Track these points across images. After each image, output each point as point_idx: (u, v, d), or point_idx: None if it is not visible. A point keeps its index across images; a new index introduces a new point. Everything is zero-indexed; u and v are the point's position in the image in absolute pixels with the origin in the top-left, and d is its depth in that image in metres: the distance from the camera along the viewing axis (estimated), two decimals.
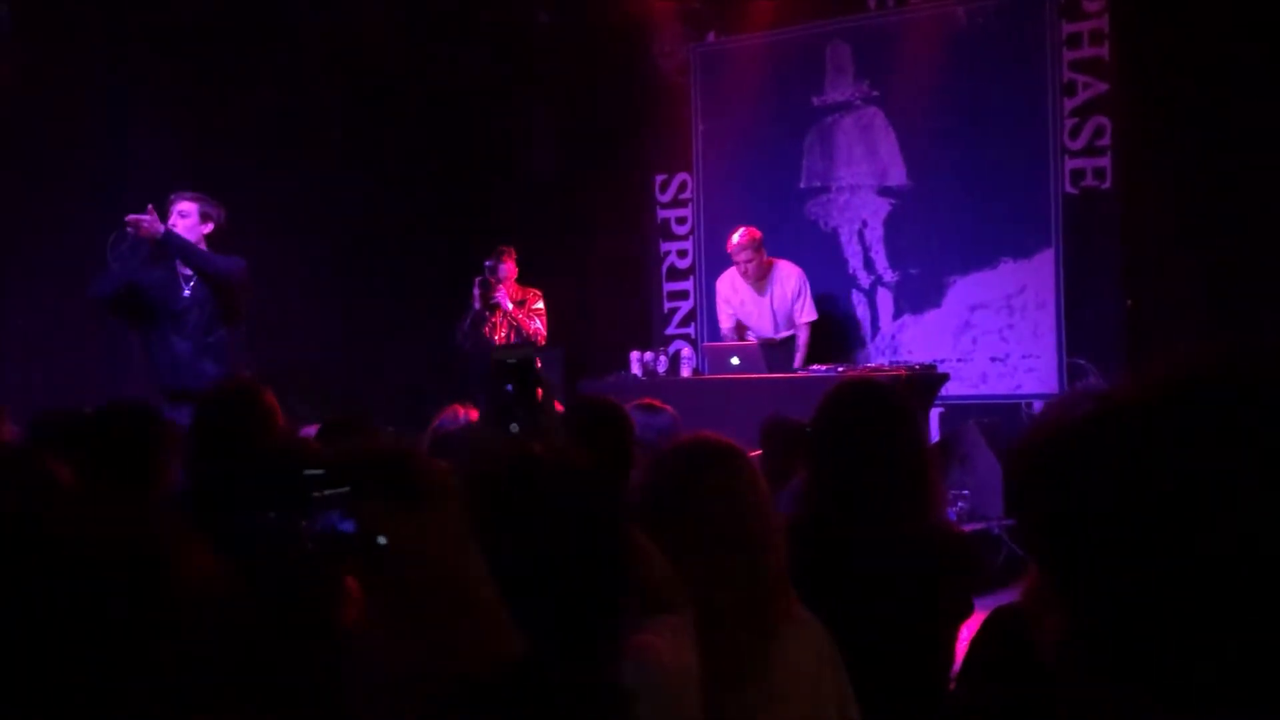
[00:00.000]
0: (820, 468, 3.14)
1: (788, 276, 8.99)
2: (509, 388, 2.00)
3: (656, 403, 4.53)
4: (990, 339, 9.24)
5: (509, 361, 2.05)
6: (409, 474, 1.32)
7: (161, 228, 6.57)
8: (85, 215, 7.98)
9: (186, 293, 6.73)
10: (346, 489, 1.29)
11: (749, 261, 8.86)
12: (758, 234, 8.89)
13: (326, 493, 1.28)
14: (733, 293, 9.11)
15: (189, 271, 6.74)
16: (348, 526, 1.29)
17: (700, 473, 2.47)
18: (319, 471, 1.29)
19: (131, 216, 6.55)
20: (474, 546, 1.36)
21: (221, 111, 8.79)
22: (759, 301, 9.00)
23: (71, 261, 7.74)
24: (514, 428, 2.02)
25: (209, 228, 6.79)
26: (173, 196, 6.77)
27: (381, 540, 1.28)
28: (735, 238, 8.88)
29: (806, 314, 8.98)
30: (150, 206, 6.63)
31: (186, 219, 6.71)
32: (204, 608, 1.00)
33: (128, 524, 1.00)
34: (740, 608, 2.38)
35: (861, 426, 3.10)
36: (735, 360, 8.40)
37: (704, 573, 2.37)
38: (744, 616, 2.38)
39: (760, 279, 8.96)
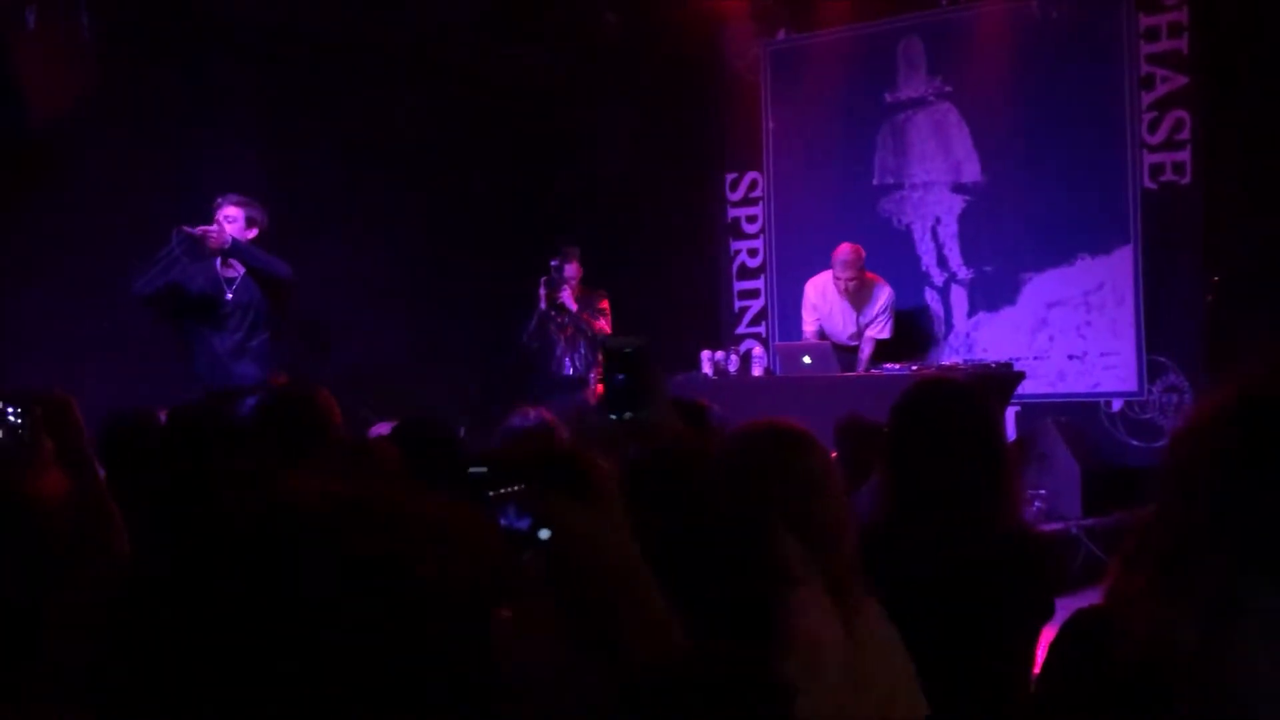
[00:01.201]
0: (897, 467, 3.09)
1: (878, 296, 8.89)
2: (620, 377, 1.98)
3: (702, 400, 4.51)
4: (1068, 336, 9.11)
5: (624, 350, 2.02)
6: (578, 471, 1.34)
7: (229, 239, 6.66)
8: (163, 218, 8.09)
9: (230, 295, 6.79)
10: (521, 488, 1.30)
11: (850, 280, 8.77)
12: (863, 253, 8.79)
13: (502, 491, 1.30)
14: (821, 300, 9.01)
15: (233, 274, 6.80)
16: (523, 524, 1.30)
17: (774, 458, 2.43)
18: (483, 470, 1.30)
19: (201, 229, 6.64)
20: (636, 543, 1.38)
21: (293, 116, 8.86)
22: (847, 314, 8.91)
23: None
24: (626, 416, 2.01)
25: (254, 232, 6.85)
26: (219, 200, 6.83)
27: (543, 535, 1.29)
28: (841, 254, 8.75)
29: (880, 330, 8.87)
30: (218, 218, 6.71)
31: (233, 224, 6.78)
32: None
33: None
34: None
35: (940, 425, 3.05)
36: (807, 359, 8.34)
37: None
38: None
39: (856, 295, 8.88)
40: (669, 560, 1.55)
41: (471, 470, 1.31)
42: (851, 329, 8.89)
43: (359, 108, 9.18)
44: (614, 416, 1.88)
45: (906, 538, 2.98)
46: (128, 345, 7.65)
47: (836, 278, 8.81)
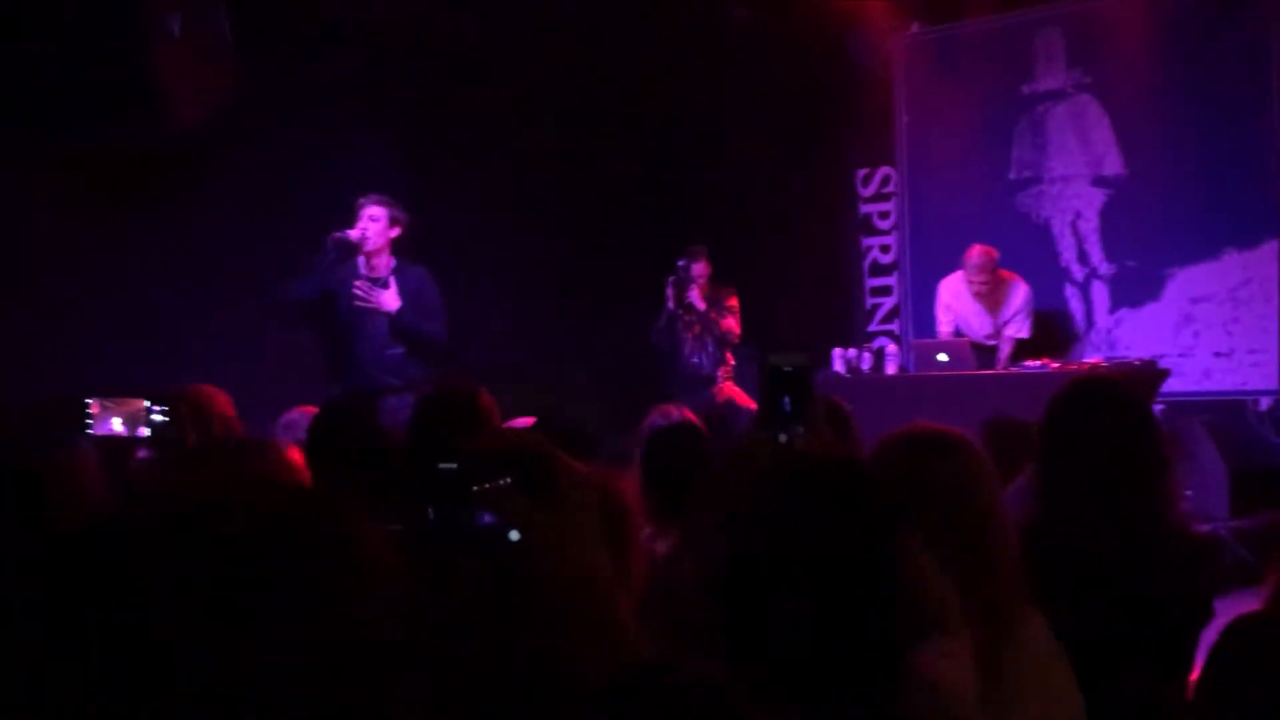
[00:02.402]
0: (1053, 466, 3.01)
1: (1015, 295, 8.74)
2: (785, 399, 1.91)
3: (834, 399, 4.44)
4: (1213, 333, 8.86)
5: (786, 370, 1.95)
6: (549, 475, 1.31)
7: (395, 304, 6.74)
8: (297, 223, 8.27)
9: None
10: (506, 483, 1.28)
11: (983, 283, 8.65)
12: (995, 254, 8.64)
13: (487, 486, 1.27)
14: (955, 300, 8.88)
15: (379, 275, 6.87)
16: (500, 524, 1.28)
17: (926, 462, 2.35)
18: (452, 466, 1.28)
19: (362, 287, 6.73)
20: (604, 551, 1.35)
21: (429, 115, 8.98)
22: (982, 315, 8.76)
23: (286, 267, 8.00)
24: (783, 437, 1.94)
25: (396, 231, 6.92)
26: (361, 201, 6.90)
27: (513, 536, 1.27)
28: (972, 257, 8.62)
29: (1018, 329, 8.71)
30: (362, 217, 6.79)
31: (376, 223, 6.84)
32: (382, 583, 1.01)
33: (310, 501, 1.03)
34: (974, 608, 2.26)
35: (1097, 424, 2.97)
36: (943, 357, 8.22)
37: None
38: (979, 617, 2.26)
39: (990, 296, 8.73)
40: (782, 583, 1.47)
41: (441, 466, 1.28)
42: (988, 329, 8.74)
43: (490, 107, 9.26)
44: (775, 436, 1.81)
45: (1062, 538, 2.90)
46: (273, 344, 7.81)
47: (969, 281, 8.68)
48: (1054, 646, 2.43)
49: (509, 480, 1.29)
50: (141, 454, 3.86)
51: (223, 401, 4.34)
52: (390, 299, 6.75)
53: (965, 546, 2.28)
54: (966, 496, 2.32)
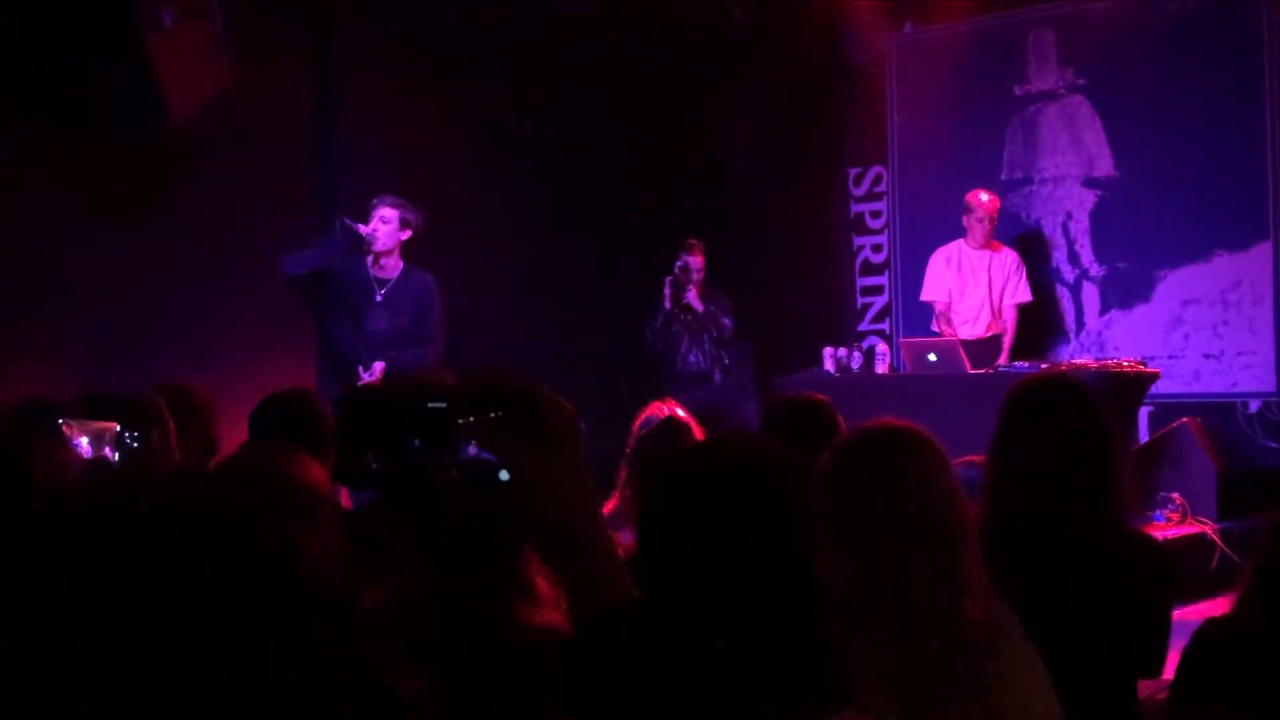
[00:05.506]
0: (1002, 466, 3.00)
1: (1006, 260, 8.80)
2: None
3: (816, 395, 4.45)
4: (1203, 335, 8.86)
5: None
6: (534, 410, 1.32)
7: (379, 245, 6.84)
8: (294, 217, 8.27)
9: (379, 297, 6.92)
10: (495, 416, 1.30)
11: (980, 222, 8.71)
12: (997, 200, 8.80)
13: (468, 421, 1.29)
14: (946, 268, 8.89)
15: (386, 276, 6.94)
16: (488, 455, 1.30)
17: (888, 460, 2.35)
18: (441, 405, 1.30)
19: (363, 227, 6.83)
20: (591, 488, 1.36)
21: (424, 115, 8.97)
22: (977, 281, 8.78)
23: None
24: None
25: (407, 234, 7.00)
26: (375, 201, 7.01)
27: (503, 475, 1.29)
28: (981, 201, 8.72)
29: (1018, 293, 8.76)
30: (374, 217, 6.89)
31: (388, 224, 6.94)
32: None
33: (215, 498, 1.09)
34: (939, 609, 2.25)
35: (1047, 423, 2.95)
36: (933, 357, 8.21)
37: (897, 571, 2.26)
38: (945, 619, 2.25)
39: (982, 246, 8.76)
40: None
41: (430, 404, 1.30)
42: (983, 293, 8.74)
43: (484, 105, 9.26)
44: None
45: (1009, 539, 2.88)
46: (264, 337, 7.84)
47: (967, 224, 8.74)
48: (1029, 646, 2.41)
49: (495, 415, 1.30)
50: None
51: (201, 404, 4.28)
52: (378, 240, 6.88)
53: (930, 544, 2.27)
54: (929, 493, 2.31)
